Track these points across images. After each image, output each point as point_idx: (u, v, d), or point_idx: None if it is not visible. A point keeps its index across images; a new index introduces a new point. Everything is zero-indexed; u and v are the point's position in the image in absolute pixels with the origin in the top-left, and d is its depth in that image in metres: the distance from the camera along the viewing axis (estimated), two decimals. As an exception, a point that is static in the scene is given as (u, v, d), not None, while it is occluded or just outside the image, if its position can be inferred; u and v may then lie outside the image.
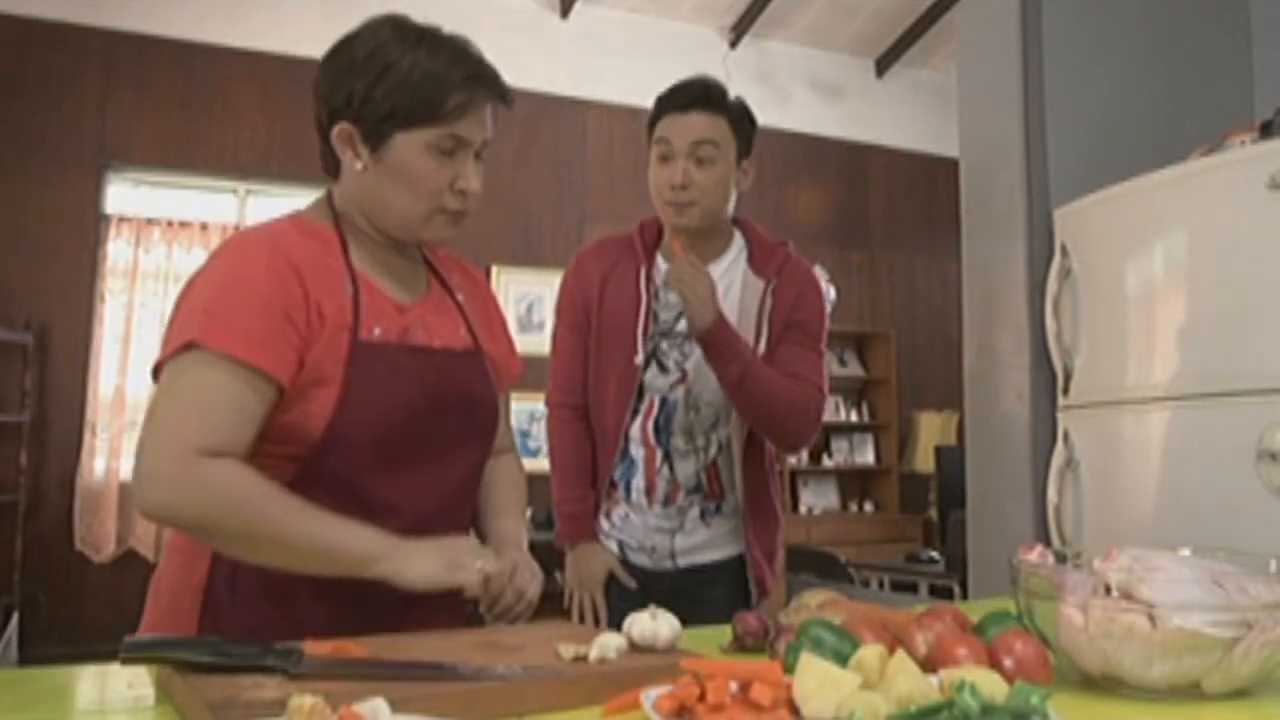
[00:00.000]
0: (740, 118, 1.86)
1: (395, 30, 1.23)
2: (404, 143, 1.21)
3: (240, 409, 1.11)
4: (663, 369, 1.88)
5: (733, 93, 1.88)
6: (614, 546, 1.92)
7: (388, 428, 1.19)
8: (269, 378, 1.12)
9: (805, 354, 1.85)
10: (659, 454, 1.87)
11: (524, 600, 1.25)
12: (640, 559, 1.90)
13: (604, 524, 1.93)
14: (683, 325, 1.85)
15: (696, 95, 1.82)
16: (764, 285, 1.86)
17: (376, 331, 1.21)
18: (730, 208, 1.89)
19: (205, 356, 1.10)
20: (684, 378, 1.87)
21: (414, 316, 1.27)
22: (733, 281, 1.87)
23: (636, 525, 1.90)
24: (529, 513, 4.74)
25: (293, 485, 1.14)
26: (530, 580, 1.26)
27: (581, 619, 1.89)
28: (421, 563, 1.12)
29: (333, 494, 1.16)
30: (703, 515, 1.88)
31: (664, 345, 1.88)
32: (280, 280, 1.15)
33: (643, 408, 1.88)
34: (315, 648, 0.96)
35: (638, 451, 1.89)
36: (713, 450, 1.87)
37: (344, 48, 1.24)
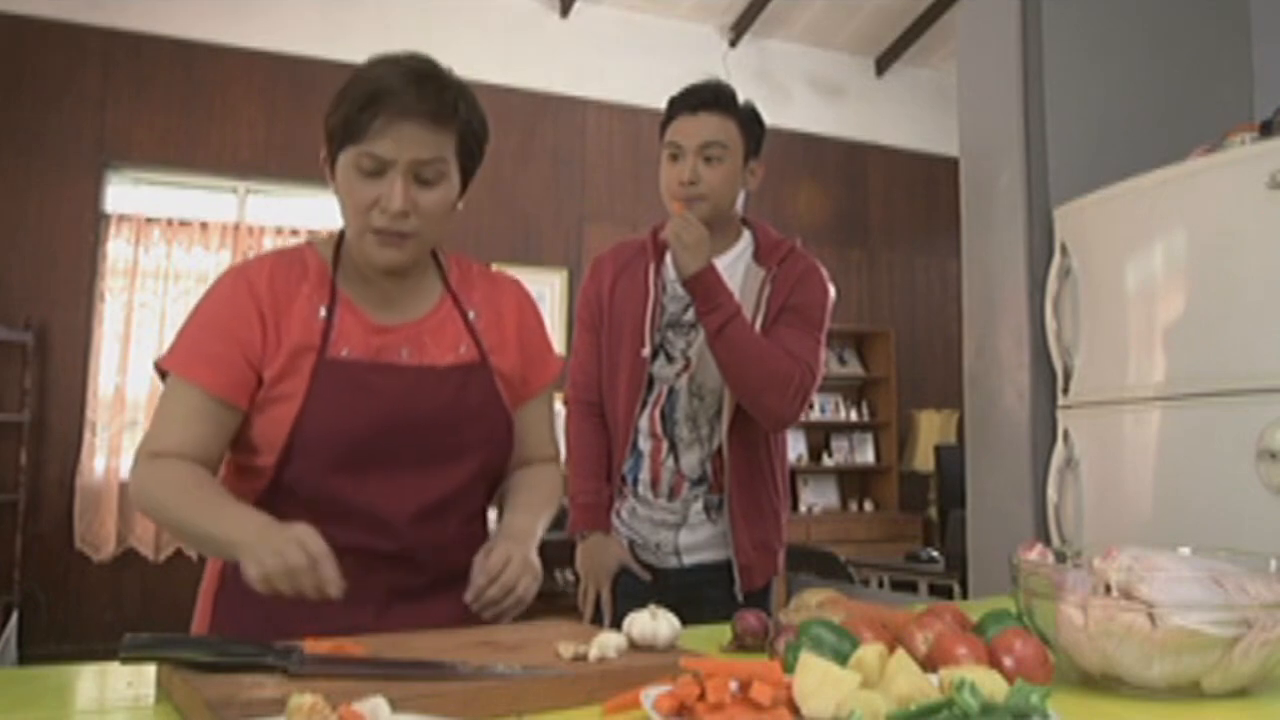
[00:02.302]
0: (749, 120, 1.90)
1: (373, 59, 1.28)
2: (342, 162, 1.26)
3: (187, 419, 1.24)
4: (669, 359, 1.90)
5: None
6: (624, 545, 1.93)
7: (350, 439, 1.24)
8: (213, 394, 1.24)
9: (799, 335, 1.85)
10: (665, 445, 1.89)
11: (512, 595, 1.21)
12: (648, 557, 1.92)
13: (614, 521, 1.95)
14: (690, 315, 1.87)
15: (706, 98, 1.87)
16: (765, 273, 1.89)
17: (345, 351, 1.27)
18: (739, 207, 1.94)
19: (170, 379, 1.27)
20: (688, 365, 1.89)
21: (398, 337, 1.31)
22: (736, 273, 1.89)
23: (642, 519, 1.91)
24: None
25: (267, 490, 1.26)
26: (520, 575, 1.22)
27: (592, 618, 1.90)
28: (255, 564, 1.08)
29: (300, 500, 1.23)
30: (706, 509, 1.89)
31: (670, 335, 1.90)
32: (236, 307, 1.27)
33: (651, 399, 1.91)
34: (315, 646, 0.96)
35: (645, 444, 1.91)
36: (716, 440, 1.88)
37: None
